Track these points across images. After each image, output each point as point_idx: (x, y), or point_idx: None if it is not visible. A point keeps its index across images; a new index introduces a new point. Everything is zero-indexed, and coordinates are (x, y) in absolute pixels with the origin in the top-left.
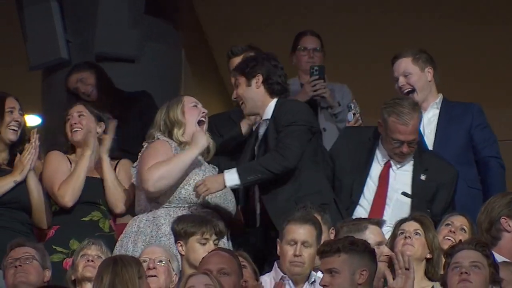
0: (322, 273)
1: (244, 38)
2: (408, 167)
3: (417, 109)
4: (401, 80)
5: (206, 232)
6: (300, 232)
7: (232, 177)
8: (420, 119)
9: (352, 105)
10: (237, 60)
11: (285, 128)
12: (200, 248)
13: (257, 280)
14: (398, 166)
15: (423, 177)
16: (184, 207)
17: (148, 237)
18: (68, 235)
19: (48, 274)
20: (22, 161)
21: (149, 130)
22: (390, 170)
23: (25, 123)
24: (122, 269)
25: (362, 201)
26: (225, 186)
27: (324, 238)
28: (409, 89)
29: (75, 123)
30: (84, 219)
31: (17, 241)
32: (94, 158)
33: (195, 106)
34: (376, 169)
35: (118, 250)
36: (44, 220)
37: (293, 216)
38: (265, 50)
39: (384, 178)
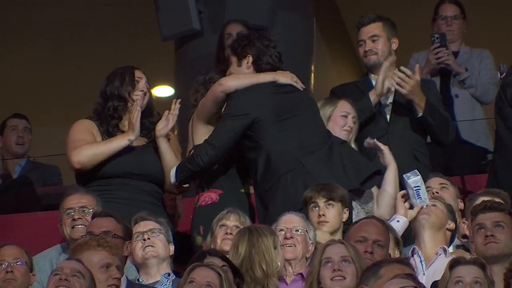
0: None
1: (376, 5)
2: None
3: None
4: None
5: (312, 196)
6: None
7: (172, 174)
8: None
9: (501, 66)
10: (366, 30)
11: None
12: (311, 213)
13: (400, 251)
14: None
15: None
16: None
17: None
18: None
19: (172, 248)
20: (131, 120)
21: None
22: None
23: (151, 94)
24: (258, 239)
25: None
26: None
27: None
28: None
29: None
30: (241, 190)
31: (141, 215)
32: None
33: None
34: None
35: None
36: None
37: None
38: (397, 20)
39: None
